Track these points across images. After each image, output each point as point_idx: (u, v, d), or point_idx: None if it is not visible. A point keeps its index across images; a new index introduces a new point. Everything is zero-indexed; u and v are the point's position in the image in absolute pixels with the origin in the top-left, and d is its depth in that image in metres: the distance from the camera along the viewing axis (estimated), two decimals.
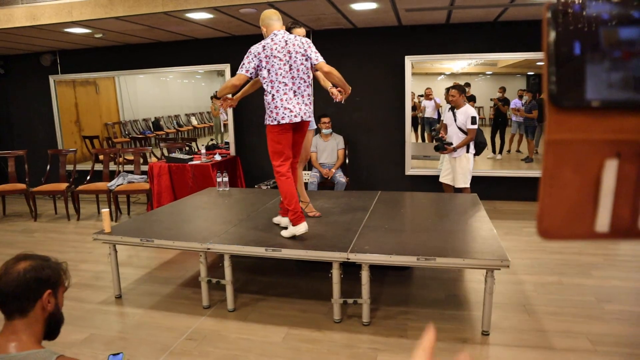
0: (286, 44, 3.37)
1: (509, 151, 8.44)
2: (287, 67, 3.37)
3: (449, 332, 3.12)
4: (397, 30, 6.45)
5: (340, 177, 6.04)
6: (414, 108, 7.47)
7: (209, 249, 3.39)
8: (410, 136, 6.72)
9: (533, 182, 6.41)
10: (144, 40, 7.00)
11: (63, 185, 6.45)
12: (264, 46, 3.36)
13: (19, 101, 8.24)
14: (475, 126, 5.24)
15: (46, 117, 8.06)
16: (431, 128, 8.73)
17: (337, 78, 3.46)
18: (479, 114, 9.62)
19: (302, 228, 3.42)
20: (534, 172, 6.68)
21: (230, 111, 7.03)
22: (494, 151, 8.37)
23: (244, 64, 3.38)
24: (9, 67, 8.14)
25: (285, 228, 3.59)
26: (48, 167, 6.83)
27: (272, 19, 3.48)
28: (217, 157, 6.35)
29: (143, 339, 3.16)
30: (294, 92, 3.41)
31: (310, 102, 3.50)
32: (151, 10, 5.10)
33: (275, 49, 3.35)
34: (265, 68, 3.35)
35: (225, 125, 7.94)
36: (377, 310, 3.42)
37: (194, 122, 11.19)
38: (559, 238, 0.46)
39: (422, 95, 8.71)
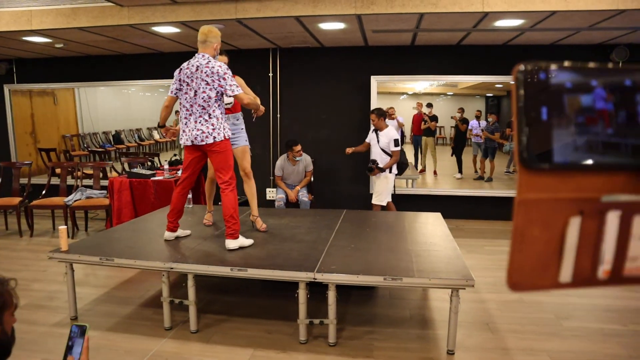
0: (196, 70, 3.41)
1: (476, 172, 8.61)
2: (192, 92, 3.45)
3: (414, 352, 3.13)
4: (363, 50, 6.56)
5: (304, 197, 5.97)
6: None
7: (172, 268, 3.30)
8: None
9: (494, 201, 6.60)
10: (106, 52, 6.84)
11: (16, 200, 6.16)
12: (181, 69, 3.50)
13: None
14: (399, 148, 5.55)
15: None
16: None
17: (253, 105, 3.64)
18: (439, 134, 9.90)
19: (249, 241, 3.72)
20: (494, 192, 6.87)
21: None
22: (460, 171, 8.56)
23: (170, 85, 3.56)
24: None
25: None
26: (0, 180, 6.52)
27: (200, 38, 3.51)
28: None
29: None
30: (193, 116, 3.48)
31: (209, 126, 3.47)
32: (116, 22, 5.00)
33: (185, 74, 3.46)
34: (180, 90, 3.51)
35: None
36: (343, 330, 3.40)
37: (156, 136, 10.97)
38: (527, 290, 0.49)
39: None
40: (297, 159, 5.93)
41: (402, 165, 5.74)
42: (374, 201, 5.67)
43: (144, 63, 7.09)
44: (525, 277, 0.48)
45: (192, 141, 3.51)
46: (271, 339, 3.31)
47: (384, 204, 5.65)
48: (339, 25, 5.17)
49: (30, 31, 5.30)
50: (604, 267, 0.47)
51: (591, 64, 0.45)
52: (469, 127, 8.46)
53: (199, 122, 3.46)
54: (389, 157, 5.55)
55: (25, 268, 4.83)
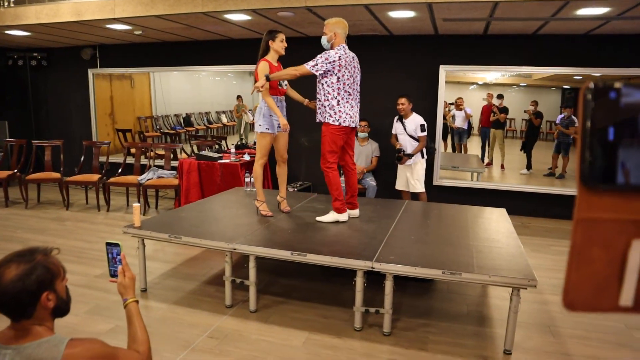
0: (353, 60, 3.83)
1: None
2: (352, 79, 3.82)
3: (470, 349, 3.08)
4: (432, 39, 6.40)
5: (372, 181, 6.08)
6: (443, 116, 7.40)
7: (235, 249, 3.43)
8: (440, 146, 6.66)
9: (563, 200, 6.28)
10: (180, 38, 7.13)
11: (95, 177, 6.61)
12: (340, 57, 3.72)
13: (58, 93, 8.51)
14: (425, 133, 5.57)
15: (83, 109, 8.30)
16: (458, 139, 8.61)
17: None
18: (510, 126, 9.50)
19: (345, 216, 4.03)
20: (564, 190, 6.53)
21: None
22: (528, 167, 8.20)
23: (317, 63, 3.70)
24: (51, 59, 8.41)
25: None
26: (82, 158, 7.02)
27: (344, 30, 3.84)
28: (246, 157, 6.41)
29: (166, 334, 3.21)
30: (355, 101, 3.87)
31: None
32: (191, 10, 5.19)
33: (347, 62, 3.75)
34: (335, 75, 3.73)
35: (249, 125, 8.02)
36: (398, 321, 3.40)
37: (224, 119, 11.32)
38: (583, 310, 0.48)
39: (452, 104, 8.60)
40: (361, 135, 6.04)
41: (430, 150, 5.80)
42: (418, 189, 5.65)
43: (215, 49, 7.32)
44: (583, 297, 0.48)
45: (356, 123, 3.92)
46: (326, 324, 3.37)
47: (424, 190, 5.70)
48: (409, 14, 5.08)
49: (113, 19, 5.63)
50: None
51: None
52: (559, 123, 7.97)
53: (357, 107, 3.91)
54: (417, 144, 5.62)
55: (101, 240, 5.19)
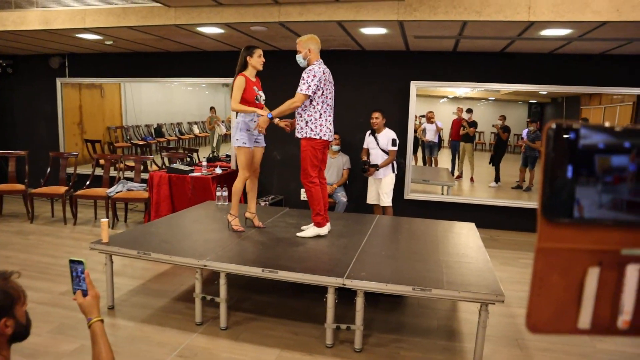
0: (329, 75, 3.91)
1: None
2: (331, 94, 3.91)
3: None
4: (404, 54, 6.52)
5: (342, 197, 6.10)
6: (414, 130, 7.52)
7: (205, 265, 3.39)
8: (411, 160, 6.76)
9: (531, 213, 6.44)
10: (152, 49, 7.06)
11: (62, 189, 6.45)
12: (323, 71, 3.80)
13: (24, 101, 8.28)
14: (396, 148, 5.70)
15: (50, 119, 8.09)
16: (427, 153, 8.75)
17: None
18: (479, 139, 9.71)
19: (326, 229, 4.07)
20: (532, 203, 6.70)
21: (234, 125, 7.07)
22: (496, 180, 8.39)
23: (309, 85, 3.72)
24: (18, 67, 8.19)
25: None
26: (49, 169, 6.84)
27: (317, 46, 3.90)
28: (218, 171, 6.36)
29: (134, 353, 3.14)
30: (331, 116, 3.94)
31: None
32: (163, 22, 5.16)
33: (326, 75, 3.84)
34: (320, 89, 3.78)
35: (222, 137, 7.97)
36: (370, 337, 3.41)
37: (196, 130, 11.22)
38: (545, 332, 0.51)
39: (423, 116, 8.74)
40: (334, 148, 6.07)
41: (399, 165, 5.92)
42: (385, 203, 5.72)
43: (188, 61, 7.27)
44: (544, 320, 0.50)
45: (331, 138, 3.97)
46: (298, 341, 3.36)
47: (391, 203, 5.76)
48: (381, 31, 5.17)
49: (83, 29, 5.54)
50: (624, 318, 0.49)
51: (622, 127, 0.47)
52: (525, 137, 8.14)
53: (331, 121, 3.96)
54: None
55: (67, 255, 5.03)
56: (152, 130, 10.42)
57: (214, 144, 9.26)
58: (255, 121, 3.98)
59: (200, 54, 7.21)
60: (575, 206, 0.47)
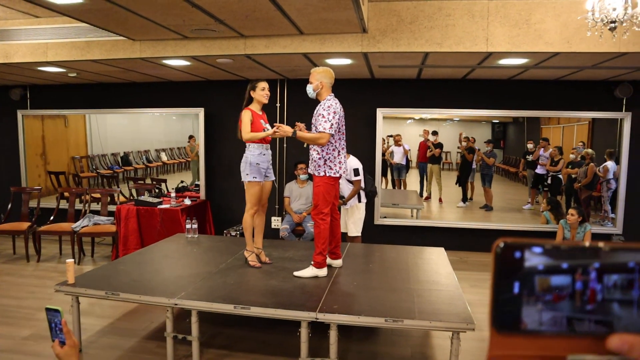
0: (341, 109, 3.87)
1: (471, 199, 8.64)
2: (343, 126, 3.90)
3: None
4: (369, 82, 6.67)
5: (311, 227, 6.04)
6: (382, 153, 7.64)
7: (176, 304, 3.34)
8: (380, 184, 6.85)
9: (499, 234, 6.59)
10: (118, 80, 7.00)
11: (25, 225, 6.25)
12: (339, 106, 3.81)
13: None
14: (359, 177, 5.60)
15: (10, 152, 7.86)
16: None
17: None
18: (445, 159, 9.93)
19: (324, 271, 3.89)
20: (500, 225, 6.87)
21: (202, 155, 7.05)
22: (464, 200, 8.56)
23: (331, 123, 3.68)
24: None
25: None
26: (9, 205, 6.63)
27: (330, 81, 3.86)
28: (187, 202, 6.30)
29: None
30: (345, 149, 3.92)
31: None
32: (128, 56, 5.14)
33: (341, 110, 3.84)
34: (337, 125, 3.75)
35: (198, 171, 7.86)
36: None
37: (164, 158, 11.08)
38: None
39: (390, 136, 8.87)
40: (302, 177, 6.07)
41: (370, 194, 5.87)
42: (353, 233, 5.68)
43: (154, 91, 7.23)
44: None
45: (345, 170, 3.97)
46: None
47: (359, 234, 5.73)
48: (346, 61, 5.28)
49: (45, 62, 5.46)
50: None
51: (565, 246, 0.50)
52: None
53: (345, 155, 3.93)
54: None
55: (31, 295, 4.88)
56: (119, 159, 10.22)
57: (196, 173, 9.13)
58: (264, 154, 4.00)
59: (167, 84, 7.19)
60: (523, 319, 0.50)
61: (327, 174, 3.78)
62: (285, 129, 3.81)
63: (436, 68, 5.64)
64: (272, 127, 3.93)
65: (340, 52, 4.75)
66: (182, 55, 5.05)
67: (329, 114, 3.70)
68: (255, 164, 3.98)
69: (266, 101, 4.08)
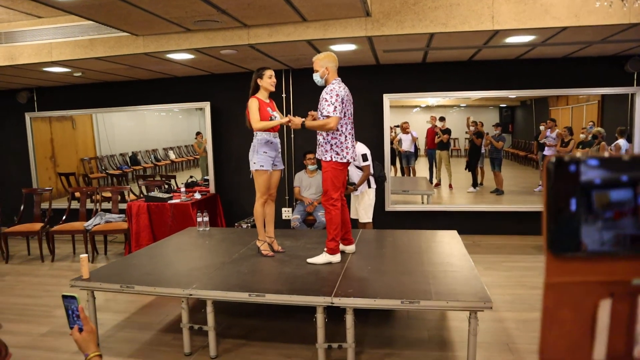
0: (349, 94, 3.81)
1: (481, 184, 8.58)
2: (351, 112, 3.83)
3: None
4: (375, 69, 6.61)
5: (322, 216, 6.03)
6: (390, 141, 7.60)
7: (191, 294, 3.34)
8: (390, 172, 6.81)
9: (510, 216, 6.55)
10: (123, 78, 7.01)
11: (37, 225, 6.29)
12: (343, 89, 3.72)
13: None
14: (368, 162, 5.57)
15: (20, 155, 7.91)
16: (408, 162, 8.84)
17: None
18: (454, 145, 9.86)
19: (338, 257, 3.86)
20: (511, 207, 6.80)
21: (210, 150, 7.04)
22: (474, 185, 8.50)
23: (336, 107, 3.62)
24: None
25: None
26: (22, 206, 6.67)
27: (334, 64, 3.79)
28: (197, 196, 6.30)
29: None
30: (353, 135, 3.84)
31: None
32: (132, 51, 5.13)
33: (347, 94, 3.76)
34: (342, 110, 3.67)
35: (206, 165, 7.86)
36: (362, 354, 3.39)
37: (172, 156, 11.10)
38: None
39: (397, 126, 8.82)
40: (311, 167, 6.05)
41: (379, 179, 5.85)
42: (364, 219, 5.69)
43: (158, 88, 7.24)
44: (558, 355, 0.49)
45: (355, 156, 3.89)
46: None
47: (370, 220, 5.71)
48: (350, 47, 5.24)
49: (50, 62, 5.47)
50: None
51: (626, 157, 0.46)
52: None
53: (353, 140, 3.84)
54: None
55: (47, 294, 4.92)
56: (128, 159, 10.26)
57: (205, 169, 9.15)
58: (272, 143, 3.97)
59: (172, 80, 7.19)
60: (582, 239, 0.46)
61: (334, 159, 3.73)
62: (296, 122, 3.77)
63: (442, 50, 5.57)
64: (282, 116, 3.91)
65: (344, 37, 4.70)
66: (186, 49, 5.03)
67: (331, 97, 3.64)
68: (262, 152, 3.95)
69: (273, 89, 4.03)
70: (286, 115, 3.92)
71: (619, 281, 0.46)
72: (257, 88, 4.00)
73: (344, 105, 3.69)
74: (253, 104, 3.91)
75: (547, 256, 0.47)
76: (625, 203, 0.45)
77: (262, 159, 3.95)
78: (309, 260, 3.88)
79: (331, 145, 3.73)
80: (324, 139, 3.76)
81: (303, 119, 3.79)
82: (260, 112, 3.90)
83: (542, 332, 0.49)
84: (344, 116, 3.72)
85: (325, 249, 3.86)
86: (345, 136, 3.74)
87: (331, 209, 3.79)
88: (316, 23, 4.69)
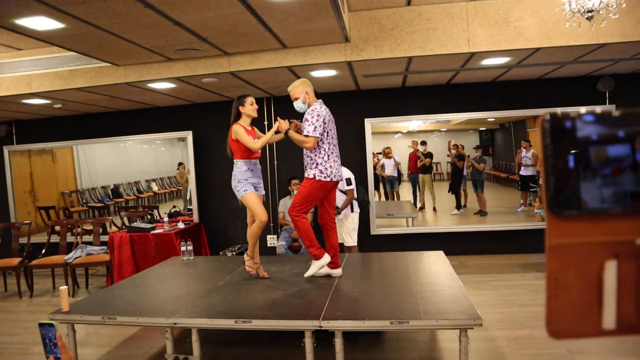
0: (330, 114, 3.88)
1: (465, 206, 8.64)
2: (334, 132, 3.89)
3: None
4: (355, 94, 6.71)
5: None
6: (373, 167, 7.65)
7: (175, 323, 3.25)
8: (374, 197, 6.83)
9: (495, 235, 6.59)
10: (103, 109, 6.98)
11: (15, 260, 6.11)
12: (324, 109, 3.78)
13: None
14: (352, 186, 5.58)
15: None
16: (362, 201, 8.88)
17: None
18: (436, 169, 9.97)
19: (326, 259, 3.86)
20: (495, 226, 6.84)
21: (192, 178, 7.00)
22: (457, 207, 8.55)
23: (316, 127, 3.68)
24: None
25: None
26: None
27: (311, 87, 3.88)
28: (181, 225, 6.22)
29: None
30: (338, 156, 3.90)
31: None
32: (113, 81, 5.13)
33: (329, 115, 3.83)
34: (325, 130, 3.75)
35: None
36: None
37: (155, 187, 11.00)
38: (569, 337, 0.47)
39: (379, 153, 8.90)
40: (295, 193, 6.00)
41: (362, 203, 5.85)
42: (349, 243, 5.66)
43: (140, 118, 7.22)
44: (565, 325, 0.47)
45: (339, 178, 3.89)
46: None
47: (355, 243, 5.70)
48: (331, 72, 5.31)
49: (30, 94, 5.43)
50: None
51: (620, 112, 0.45)
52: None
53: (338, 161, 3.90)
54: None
55: (25, 331, 4.75)
56: (109, 191, 10.13)
57: (188, 198, 9.07)
58: (252, 170, 3.95)
59: (153, 110, 7.18)
60: (582, 197, 0.45)
61: (317, 177, 3.75)
62: (283, 126, 3.82)
63: (420, 74, 5.69)
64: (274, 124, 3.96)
65: (324, 62, 4.78)
66: (167, 77, 5.05)
67: (312, 117, 3.70)
68: (244, 180, 3.92)
69: (256, 115, 4.03)
70: (275, 119, 3.95)
71: (623, 241, 0.45)
72: (238, 116, 3.99)
73: (326, 125, 3.76)
74: (240, 130, 3.88)
75: (547, 217, 0.45)
76: (623, 159, 0.44)
77: (244, 185, 3.92)
78: (306, 275, 3.93)
79: (317, 163, 3.77)
80: (308, 156, 3.82)
81: (289, 127, 3.83)
82: None
83: (548, 302, 0.47)
84: (327, 136, 3.76)
85: (313, 259, 3.91)
86: (328, 155, 3.78)
87: (297, 219, 3.81)
88: (296, 49, 4.76)
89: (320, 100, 3.86)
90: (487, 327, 4.05)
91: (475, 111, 6.61)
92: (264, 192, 4.18)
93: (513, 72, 5.82)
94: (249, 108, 3.98)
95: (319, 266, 3.87)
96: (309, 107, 3.83)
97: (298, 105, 3.86)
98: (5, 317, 5.33)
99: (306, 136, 3.70)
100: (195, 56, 4.84)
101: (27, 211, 8.15)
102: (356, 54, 4.71)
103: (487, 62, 5.12)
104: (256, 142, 3.86)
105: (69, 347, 3.47)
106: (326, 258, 3.87)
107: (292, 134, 3.80)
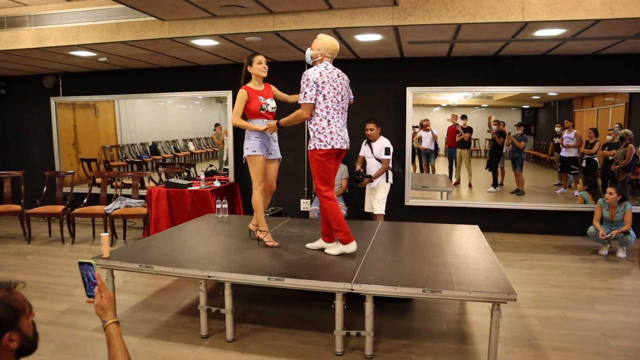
0: (338, 76, 3.57)
1: (501, 184, 8.43)
2: (340, 97, 3.57)
3: None
4: (398, 61, 6.54)
5: (342, 208, 6.03)
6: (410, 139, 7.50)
7: (209, 276, 3.33)
8: (409, 167, 6.73)
9: (532, 214, 6.43)
10: (146, 65, 7.05)
11: (59, 208, 6.37)
12: (321, 72, 3.47)
13: (18, 122, 8.24)
14: (389, 156, 5.58)
15: (45, 139, 8.04)
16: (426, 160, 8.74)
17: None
18: (474, 146, 9.72)
19: (352, 247, 3.65)
20: (533, 205, 6.67)
21: (230, 138, 7.05)
22: (494, 185, 8.37)
23: (305, 92, 3.46)
24: (11, 87, 8.16)
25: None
26: (45, 189, 6.77)
27: (331, 55, 3.59)
28: (217, 184, 6.31)
29: None
30: (343, 121, 3.65)
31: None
32: (157, 36, 5.15)
33: (331, 78, 3.50)
34: (321, 93, 3.47)
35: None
36: (380, 343, 3.34)
37: (192, 147, 11.17)
38: None
39: (416, 127, 8.72)
40: None
41: (396, 175, 5.81)
42: (378, 211, 5.68)
43: (182, 75, 7.27)
44: None
45: (347, 144, 3.67)
46: (307, 350, 3.28)
47: (383, 212, 5.70)
48: (376, 37, 5.18)
49: (77, 46, 5.52)
50: None
51: None
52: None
53: (345, 127, 3.67)
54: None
55: (67, 274, 4.97)
56: (148, 148, 10.36)
57: (225, 159, 9.19)
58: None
59: (195, 68, 7.21)
60: None
61: (317, 147, 3.51)
62: (272, 125, 3.78)
63: (468, 43, 5.48)
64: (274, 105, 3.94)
65: (370, 26, 4.65)
66: (211, 34, 5.03)
67: (302, 83, 3.47)
68: (254, 138, 3.86)
69: (265, 74, 3.90)
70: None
71: None
72: (248, 76, 3.92)
73: (320, 88, 3.45)
74: (240, 95, 3.82)
75: None
76: None
77: (254, 144, 3.86)
78: (326, 250, 3.79)
79: (314, 132, 3.53)
80: (310, 129, 3.58)
81: (277, 120, 3.73)
82: (249, 102, 3.83)
83: None
84: (323, 99, 3.47)
85: (338, 240, 3.74)
86: (329, 121, 3.50)
87: (323, 201, 3.61)
88: (342, 11, 4.65)
89: (326, 63, 3.53)
90: (518, 305, 3.99)
91: (522, 85, 6.35)
92: (279, 156, 4.10)
93: (567, 46, 5.53)
94: (257, 67, 3.89)
95: (341, 252, 3.66)
96: (312, 64, 3.61)
97: (308, 54, 3.63)
98: (50, 260, 5.59)
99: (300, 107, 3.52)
100: (240, 14, 4.79)
101: (71, 162, 8.44)
102: (403, 18, 4.56)
103: (541, 33, 4.87)
104: (236, 119, 3.85)
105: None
106: (352, 247, 3.65)
107: (284, 120, 3.67)
